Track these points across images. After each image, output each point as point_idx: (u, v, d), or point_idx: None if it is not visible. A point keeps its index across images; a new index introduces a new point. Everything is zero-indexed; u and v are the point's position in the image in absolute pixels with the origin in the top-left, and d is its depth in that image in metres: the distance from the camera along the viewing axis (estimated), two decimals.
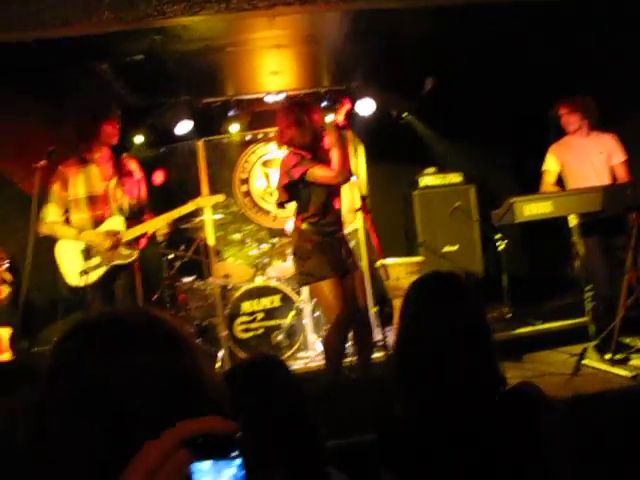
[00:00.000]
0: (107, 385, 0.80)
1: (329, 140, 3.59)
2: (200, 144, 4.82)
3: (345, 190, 4.00)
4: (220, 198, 4.27)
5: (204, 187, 4.85)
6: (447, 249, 6.17)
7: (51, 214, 3.86)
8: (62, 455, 0.81)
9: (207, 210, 4.88)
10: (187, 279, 5.59)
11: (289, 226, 5.22)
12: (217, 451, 0.65)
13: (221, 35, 4.47)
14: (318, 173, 3.52)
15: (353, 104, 3.99)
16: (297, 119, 3.61)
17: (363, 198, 3.49)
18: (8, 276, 5.10)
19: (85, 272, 3.77)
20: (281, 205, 3.84)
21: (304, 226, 3.63)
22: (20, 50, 3.87)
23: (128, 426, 0.79)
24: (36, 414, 0.84)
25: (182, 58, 4.76)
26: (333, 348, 3.62)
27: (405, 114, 6.32)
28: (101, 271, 3.85)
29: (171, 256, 5.30)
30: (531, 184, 6.04)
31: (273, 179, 6.56)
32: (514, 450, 1.40)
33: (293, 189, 3.70)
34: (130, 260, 3.94)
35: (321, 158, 3.61)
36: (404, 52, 5.29)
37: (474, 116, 5.92)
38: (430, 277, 1.83)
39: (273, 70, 5.31)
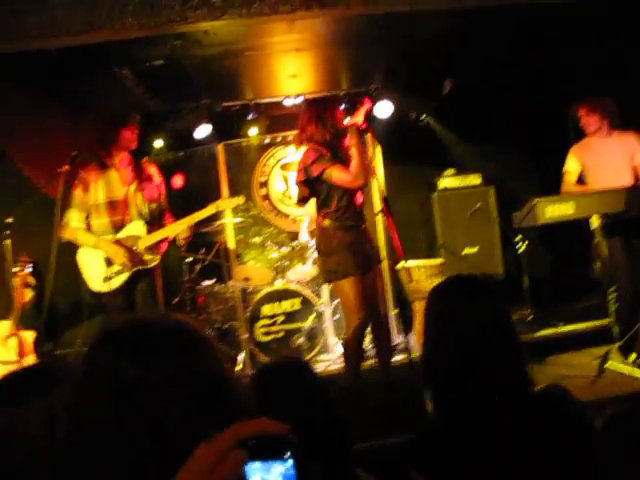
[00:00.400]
0: (140, 388, 0.83)
1: (350, 141, 3.59)
2: (220, 147, 4.84)
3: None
4: (240, 200, 4.28)
5: (224, 190, 4.88)
6: (467, 251, 6.14)
7: (74, 219, 3.90)
8: (99, 457, 0.83)
9: (227, 213, 4.91)
10: (207, 282, 5.62)
11: (304, 237, 5.24)
12: (271, 452, 0.67)
13: (240, 39, 4.50)
14: (335, 174, 3.51)
15: (372, 106, 3.98)
16: (318, 115, 3.62)
17: (385, 200, 3.47)
18: (32, 280, 5.16)
19: (108, 278, 3.80)
20: (303, 201, 3.82)
21: (326, 222, 3.61)
22: (42, 57, 3.94)
23: (161, 427, 0.82)
24: (72, 417, 0.87)
25: (202, 63, 4.80)
26: (353, 350, 3.62)
27: (424, 116, 6.31)
28: (124, 277, 3.89)
29: (189, 259, 5.33)
30: (550, 186, 5.98)
31: (292, 182, 6.58)
32: (547, 452, 1.39)
33: (312, 185, 3.70)
34: (152, 265, 3.97)
35: (341, 158, 3.60)
36: (423, 54, 5.27)
37: (493, 117, 5.90)
38: (454, 279, 1.82)
39: (292, 73, 5.32)
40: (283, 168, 6.56)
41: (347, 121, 3.70)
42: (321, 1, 3.15)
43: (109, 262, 3.86)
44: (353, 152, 3.54)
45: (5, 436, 1.12)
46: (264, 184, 6.48)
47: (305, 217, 5.49)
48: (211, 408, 0.87)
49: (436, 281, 5.12)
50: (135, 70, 4.81)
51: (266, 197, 6.48)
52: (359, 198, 3.69)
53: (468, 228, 6.12)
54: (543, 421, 1.47)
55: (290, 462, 0.67)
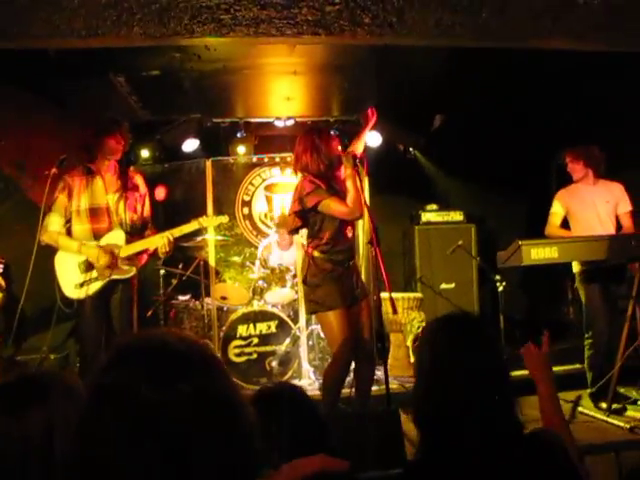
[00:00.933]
0: (160, 413, 0.80)
1: (345, 172, 3.56)
2: (208, 163, 4.81)
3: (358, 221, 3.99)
4: (224, 219, 4.24)
5: (209, 206, 4.84)
6: (444, 286, 6.17)
7: (53, 223, 3.80)
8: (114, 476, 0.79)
9: (210, 230, 4.86)
10: (183, 297, 5.54)
11: (273, 237, 5.22)
12: None
13: (240, 57, 4.52)
14: (332, 206, 3.49)
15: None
16: (313, 145, 3.58)
17: (375, 230, 3.44)
18: (1, 281, 5.02)
19: (82, 285, 3.72)
20: (294, 232, 3.80)
21: (316, 254, 3.57)
22: (37, 57, 3.88)
23: (180, 453, 0.79)
24: (83, 436, 0.83)
25: (197, 77, 4.80)
26: (333, 380, 3.56)
27: (411, 149, 6.38)
28: (99, 284, 3.79)
29: (163, 272, 5.24)
30: (530, 228, 6.11)
31: (275, 204, 6.57)
32: None
33: (305, 216, 3.66)
34: (128, 276, 3.89)
35: (335, 189, 3.58)
36: (416, 88, 5.36)
37: (478, 157, 5.99)
38: (448, 320, 1.75)
39: (286, 96, 5.35)
40: (267, 189, 6.55)
41: (346, 148, 3.69)
42: (328, 28, 3.17)
43: (86, 268, 3.77)
44: (349, 185, 3.48)
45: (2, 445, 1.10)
46: (247, 203, 6.46)
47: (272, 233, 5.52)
48: (230, 433, 0.84)
49: (413, 315, 5.17)
50: (130, 78, 4.77)
51: (248, 216, 6.44)
52: (349, 232, 3.67)
53: (447, 264, 6.16)
54: (532, 464, 1.46)
55: None
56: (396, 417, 2.98)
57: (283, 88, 5.33)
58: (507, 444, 1.53)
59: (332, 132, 6.27)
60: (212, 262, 4.83)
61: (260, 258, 5.50)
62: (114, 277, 3.83)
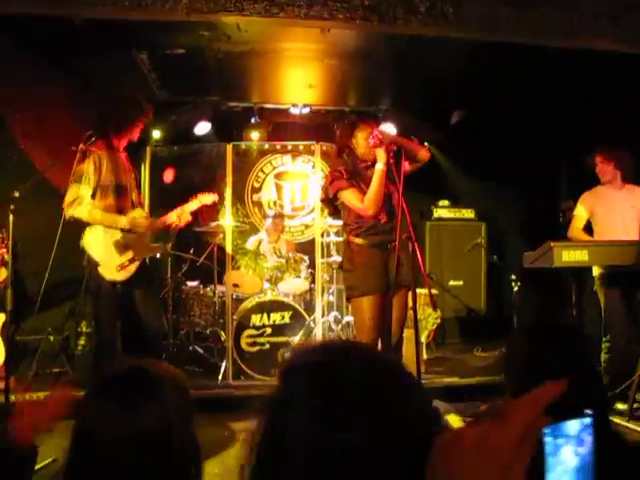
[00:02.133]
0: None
1: (376, 166, 3.44)
2: (229, 148, 4.66)
3: None
4: (214, 198, 4.10)
5: (228, 192, 4.68)
6: (452, 283, 6.13)
7: (87, 196, 3.53)
8: None
9: (227, 215, 4.72)
10: (191, 283, 5.41)
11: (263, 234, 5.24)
12: (573, 411, 0.69)
13: (270, 40, 4.38)
14: (349, 199, 3.44)
15: (377, 126, 3.86)
16: (350, 134, 3.51)
17: (412, 225, 3.34)
18: (8, 258, 4.83)
19: (122, 266, 3.56)
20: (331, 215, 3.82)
21: (352, 239, 3.53)
22: (61, 27, 3.71)
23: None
24: (267, 444, 0.81)
25: (222, 59, 4.63)
26: None
27: (426, 143, 6.29)
28: (133, 267, 3.64)
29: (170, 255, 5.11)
30: (543, 229, 6.09)
31: (285, 192, 6.46)
32: None
33: (332, 204, 3.64)
34: (159, 253, 3.78)
35: (359, 181, 3.50)
36: (438, 82, 5.26)
37: (493, 154, 5.92)
38: (545, 325, 1.72)
39: (309, 82, 5.22)
40: (277, 177, 6.43)
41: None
42: (382, 15, 3.07)
43: (124, 248, 3.59)
44: (373, 180, 3.39)
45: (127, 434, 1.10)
46: (257, 190, 6.33)
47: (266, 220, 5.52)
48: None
49: (429, 311, 5.09)
50: (153, 56, 4.60)
51: (258, 203, 6.32)
52: (383, 216, 3.55)
53: (456, 260, 6.12)
54: None
55: (587, 420, 0.68)
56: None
57: (306, 75, 5.20)
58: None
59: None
60: (229, 249, 4.69)
61: (276, 247, 5.39)
62: (147, 255, 3.71)
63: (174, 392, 1.17)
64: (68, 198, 3.50)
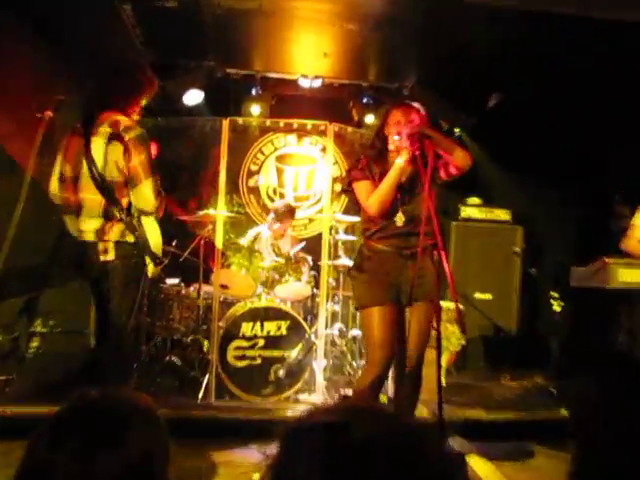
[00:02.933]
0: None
1: (396, 161, 3.31)
2: (225, 123, 4.44)
3: None
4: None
5: (222, 175, 4.47)
6: (478, 296, 5.95)
7: None
8: None
9: (219, 204, 4.53)
10: (170, 281, 5.23)
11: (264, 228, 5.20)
12: None
13: None
14: (359, 192, 3.38)
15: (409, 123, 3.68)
16: (384, 120, 3.45)
17: (440, 231, 3.19)
18: None
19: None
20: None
21: (362, 241, 3.46)
22: None
23: None
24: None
25: (223, 15, 4.44)
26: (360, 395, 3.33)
27: (457, 129, 6.11)
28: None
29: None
30: (587, 236, 5.90)
31: (287, 178, 6.27)
32: None
33: (348, 194, 3.63)
34: None
35: (380, 171, 3.37)
36: (474, 58, 5.08)
37: (535, 147, 5.75)
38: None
39: (324, 50, 5.03)
40: (279, 160, 6.24)
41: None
42: None
43: None
44: (387, 176, 3.27)
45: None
46: (254, 173, 6.14)
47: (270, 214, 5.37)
48: None
49: (452, 329, 4.90)
50: (138, 8, 4.41)
51: (254, 189, 6.13)
52: (399, 219, 3.41)
53: (484, 269, 5.95)
54: None
55: None
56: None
57: (320, 41, 5.01)
58: None
59: (363, 100, 6.04)
60: (219, 243, 4.49)
61: (274, 244, 5.21)
62: None
63: (143, 436, 1.12)
64: (152, 195, 3.27)
